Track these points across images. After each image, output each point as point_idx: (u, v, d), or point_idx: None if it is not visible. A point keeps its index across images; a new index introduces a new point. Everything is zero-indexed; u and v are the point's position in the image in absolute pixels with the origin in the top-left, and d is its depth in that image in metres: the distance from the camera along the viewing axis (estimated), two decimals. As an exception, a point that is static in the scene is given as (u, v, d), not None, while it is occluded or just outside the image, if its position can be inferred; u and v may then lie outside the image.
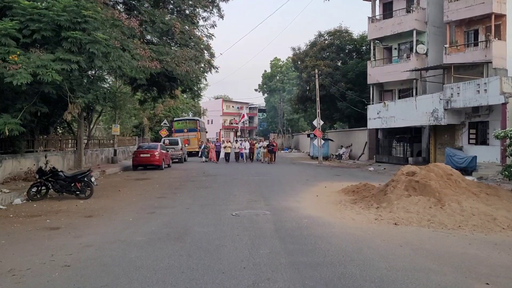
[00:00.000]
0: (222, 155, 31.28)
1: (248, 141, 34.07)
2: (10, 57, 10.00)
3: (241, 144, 32.16)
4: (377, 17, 30.51)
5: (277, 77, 67.68)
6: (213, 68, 19.42)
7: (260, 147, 31.72)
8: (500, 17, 23.47)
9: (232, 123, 79.96)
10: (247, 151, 31.14)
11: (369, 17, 30.39)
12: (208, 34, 19.38)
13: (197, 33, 18.45)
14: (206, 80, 20.14)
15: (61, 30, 10.77)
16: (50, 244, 7.44)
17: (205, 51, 18.78)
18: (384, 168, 24.63)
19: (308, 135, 39.13)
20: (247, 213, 10.27)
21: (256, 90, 73.50)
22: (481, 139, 22.44)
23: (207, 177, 19.47)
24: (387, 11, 30.15)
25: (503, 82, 19.90)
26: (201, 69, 18.68)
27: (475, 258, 6.52)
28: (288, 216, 9.87)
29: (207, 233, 8.18)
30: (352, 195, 13.04)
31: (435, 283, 5.42)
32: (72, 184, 12.76)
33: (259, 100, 72.46)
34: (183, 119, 41.87)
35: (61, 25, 10.72)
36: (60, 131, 24.31)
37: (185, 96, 38.63)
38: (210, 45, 19.14)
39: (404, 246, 7.21)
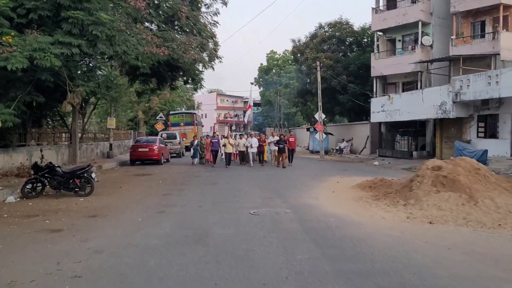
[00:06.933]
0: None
1: (257, 136, 24.02)
2: (4, 38, 8.93)
3: (247, 140, 22.39)
4: (381, 8, 29.68)
5: (274, 71, 66.61)
6: (217, 58, 18.42)
7: (271, 143, 22.60)
8: (509, 8, 22.94)
9: (226, 117, 78.83)
10: (255, 149, 22.12)
11: (372, 8, 29.50)
12: (212, 22, 18.37)
13: (201, 20, 17.44)
14: (213, 69, 18.04)
15: (60, 9, 9.68)
16: (54, 249, 6.53)
17: (210, 40, 17.80)
18: (389, 163, 24.03)
19: (308, 129, 38.28)
20: (266, 211, 9.43)
21: (252, 83, 72.38)
22: (491, 133, 21.82)
23: (212, 173, 18.54)
24: (391, 1, 29.29)
25: (516, 74, 19.26)
26: (207, 57, 17.68)
27: (538, 263, 5.80)
28: (311, 214, 9.08)
29: (229, 235, 7.33)
30: (370, 190, 12.34)
31: (513, 295, 4.67)
32: (71, 181, 11.80)
33: (254, 93, 70.60)
34: (180, 113, 40.93)
35: (61, 4, 9.60)
36: (51, 124, 23.15)
37: (188, 86, 36.83)
38: (215, 33, 18.15)
39: (452, 249, 6.47)
